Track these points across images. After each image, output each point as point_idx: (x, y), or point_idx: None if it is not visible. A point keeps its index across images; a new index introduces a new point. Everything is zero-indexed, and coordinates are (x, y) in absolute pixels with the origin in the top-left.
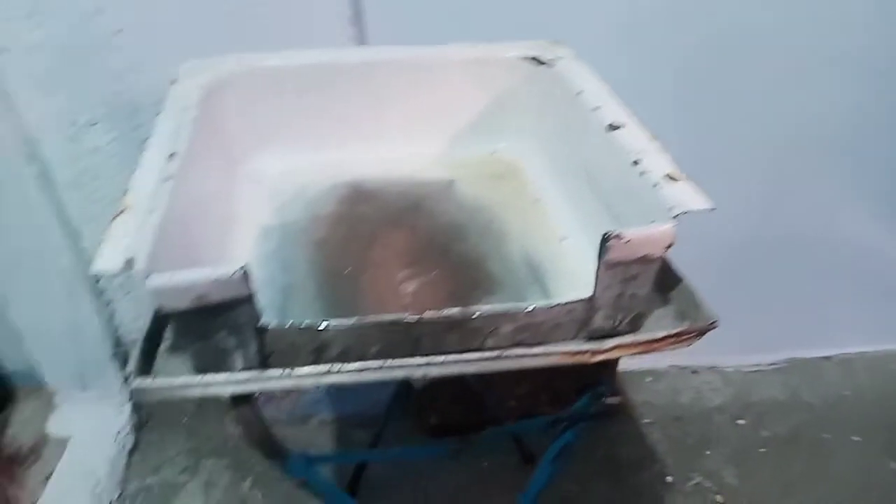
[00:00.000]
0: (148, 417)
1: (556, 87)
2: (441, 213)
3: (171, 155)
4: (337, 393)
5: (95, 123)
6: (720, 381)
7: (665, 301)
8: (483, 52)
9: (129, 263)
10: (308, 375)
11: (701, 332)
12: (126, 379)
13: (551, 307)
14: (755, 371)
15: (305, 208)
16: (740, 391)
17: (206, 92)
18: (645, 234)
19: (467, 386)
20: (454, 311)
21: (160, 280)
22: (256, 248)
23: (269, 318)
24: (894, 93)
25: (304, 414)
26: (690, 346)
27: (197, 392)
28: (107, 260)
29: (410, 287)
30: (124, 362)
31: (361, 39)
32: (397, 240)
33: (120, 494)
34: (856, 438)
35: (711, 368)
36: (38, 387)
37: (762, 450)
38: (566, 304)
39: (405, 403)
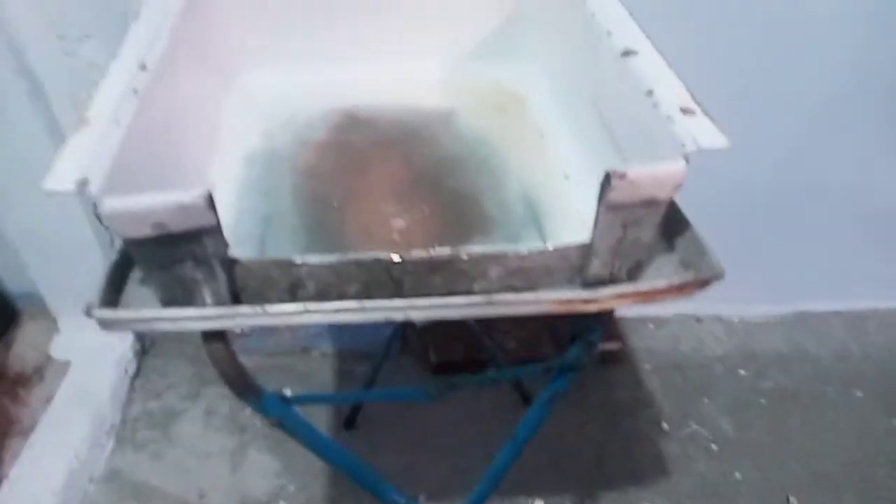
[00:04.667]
0: (151, 344)
1: (569, 7)
2: (438, 145)
3: (143, 66)
4: (339, 327)
5: (88, 37)
6: (724, 331)
7: (669, 248)
8: None
9: (83, 183)
10: (282, 314)
11: (704, 284)
12: (87, 310)
13: (544, 252)
14: (761, 323)
15: (295, 133)
16: (744, 342)
17: None
18: (651, 173)
19: (468, 325)
20: (440, 251)
21: (114, 204)
22: (239, 175)
23: (240, 250)
24: None
25: (305, 346)
26: (695, 295)
27: (165, 327)
28: (59, 178)
29: (400, 223)
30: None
31: None
32: (389, 171)
33: (121, 418)
34: (858, 394)
35: (716, 318)
36: (41, 309)
37: (761, 401)
38: (561, 248)
39: (406, 341)
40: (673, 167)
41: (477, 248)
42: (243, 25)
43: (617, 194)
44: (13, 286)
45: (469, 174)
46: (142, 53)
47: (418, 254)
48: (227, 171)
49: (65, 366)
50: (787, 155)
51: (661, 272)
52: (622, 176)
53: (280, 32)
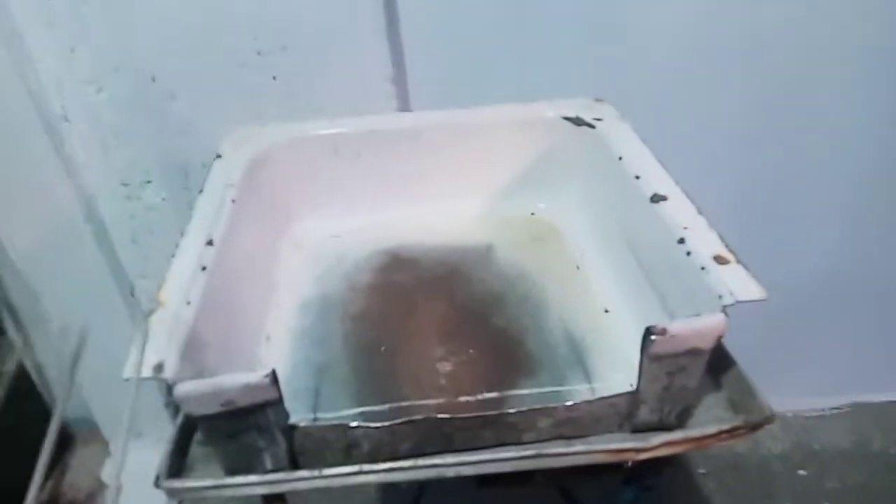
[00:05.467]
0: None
1: (598, 150)
2: (479, 281)
3: (210, 241)
4: None
5: (149, 182)
6: (779, 428)
7: (716, 386)
8: (523, 112)
9: (159, 369)
10: (338, 476)
11: (755, 429)
12: (156, 481)
13: (592, 402)
14: (817, 416)
15: (343, 278)
16: (801, 438)
17: (249, 166)
18: (691, 327)
19: None
20: (487, 404)
21: (187, 388)
22: (294, 324)
23: (296, 404)
24: None
25: None
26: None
27: (228, 492)
28: (136, 365)
29: (447, 367)
30: (176, 411)
31: (402, 97)
32: (434, 311)
33: None
34: None
35: None
36: (94, 433)
37: (827, 503)
38: (608, 398)
39: None
40: (712, 320)
41: (524, 396)
42: (296, 186)
43: (659, 347)
44: (69, 411)
45: (511, 311)
46: (208, 227)
47: (467, 409)
48: (283, 320)
49: (116, 491)
50: (830, 246)
51: (710, 413)
52: (663, 332)
53: (329, 188)
